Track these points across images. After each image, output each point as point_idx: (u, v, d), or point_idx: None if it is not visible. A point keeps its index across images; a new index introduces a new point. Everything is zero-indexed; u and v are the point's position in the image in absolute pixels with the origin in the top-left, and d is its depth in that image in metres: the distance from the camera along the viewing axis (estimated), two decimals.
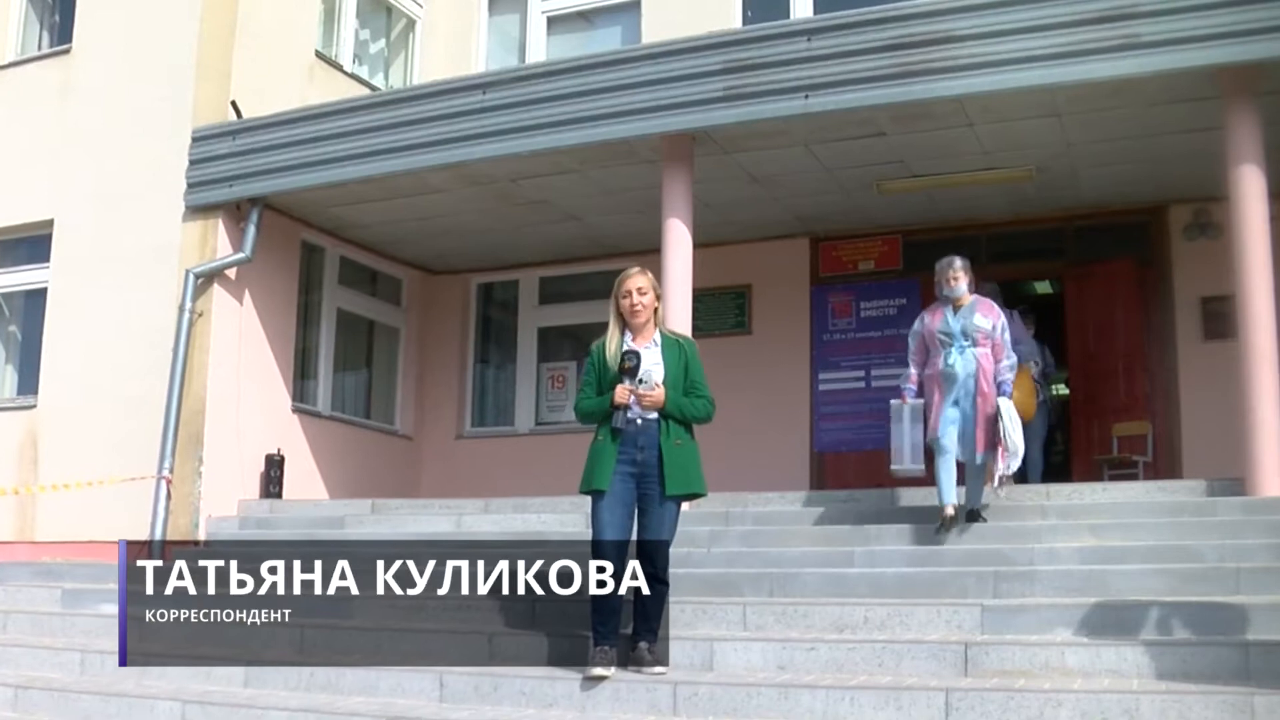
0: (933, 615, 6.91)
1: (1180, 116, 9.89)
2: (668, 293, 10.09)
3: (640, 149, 10.61)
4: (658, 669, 6.53)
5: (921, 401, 8.97)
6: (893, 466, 9.16)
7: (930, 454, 8.88)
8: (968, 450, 8.69)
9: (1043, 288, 13.56)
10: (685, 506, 6.91)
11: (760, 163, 10.98)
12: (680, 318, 10.04)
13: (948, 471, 8.69)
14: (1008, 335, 8.85)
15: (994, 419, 8.65)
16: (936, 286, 8.98)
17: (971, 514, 8.77)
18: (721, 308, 12.97)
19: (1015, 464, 8.66)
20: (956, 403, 8.72)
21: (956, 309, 8.85)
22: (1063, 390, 13.08)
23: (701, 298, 11.13)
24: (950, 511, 8.56)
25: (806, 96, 9.72)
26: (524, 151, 10.69)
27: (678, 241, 10.25)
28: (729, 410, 12.00)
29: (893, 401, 9.17)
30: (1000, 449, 8.62)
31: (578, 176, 11.39)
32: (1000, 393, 8.70)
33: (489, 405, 14.53)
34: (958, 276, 8.84)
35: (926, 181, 11.28)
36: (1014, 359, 8.85)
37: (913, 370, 9.05)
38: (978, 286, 10.88)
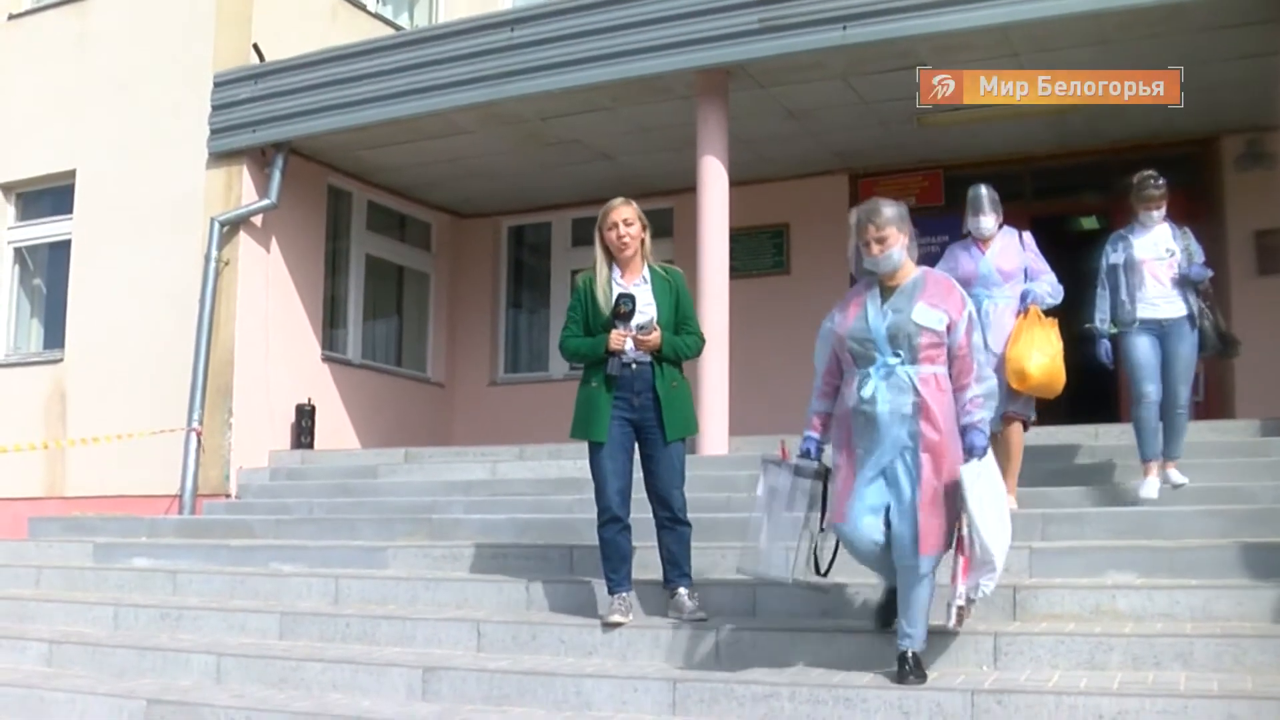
0: None
1: (1231, 42, 9.60)
2: (704, 232, 9.94)
3: (674, 85, 10.41)
4: (699, 615, 6.41)
5: (813, 465, 5.71)
6: (740, 566, 6.11)
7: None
8: (903, 552, 5.41)
9: (1089, 223, 13.27)
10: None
11: (797, 97, 10.78)
12: (717, 257, 9.90)
13: (887, 587, 5.87)
14: (978, 336, 5.57)
15: (951, 496, 5.39)
16: (850, 254, 5.78)
17: (905, 665, 5.47)
18: (759, 247, 12.81)
19: (990, 584, 5.50)
20: (883, 472, 5.46)
21: (887, 293, 5.59)
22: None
23: (738, 237, 10.94)
24: (913, 653, 5.50)
25: (844, 27, 9.50)
26: (554, 89, 10.54)
27: (714, 180, 10.07)
28: (767, 351, 11.93)
29: (764, 459, 5.94)
30: (962, 554, 5.43)
31: (609, 114, 11.23)
32: (967, 450, 5.41)
33: (522, 351, 14.46)
34: (884, 236, 5.53)
35: (968, 114, 10.99)
36: (992, 380, 5.59)
37: (816, 406, 5.79)
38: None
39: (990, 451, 5.46)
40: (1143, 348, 7.89)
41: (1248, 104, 10.55)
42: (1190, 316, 7.88)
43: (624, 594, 6.52)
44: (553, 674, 6.13)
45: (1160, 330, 7.87)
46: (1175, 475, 7.87)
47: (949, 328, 5.42)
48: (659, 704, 5.79)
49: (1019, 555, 6.66)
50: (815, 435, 5.74)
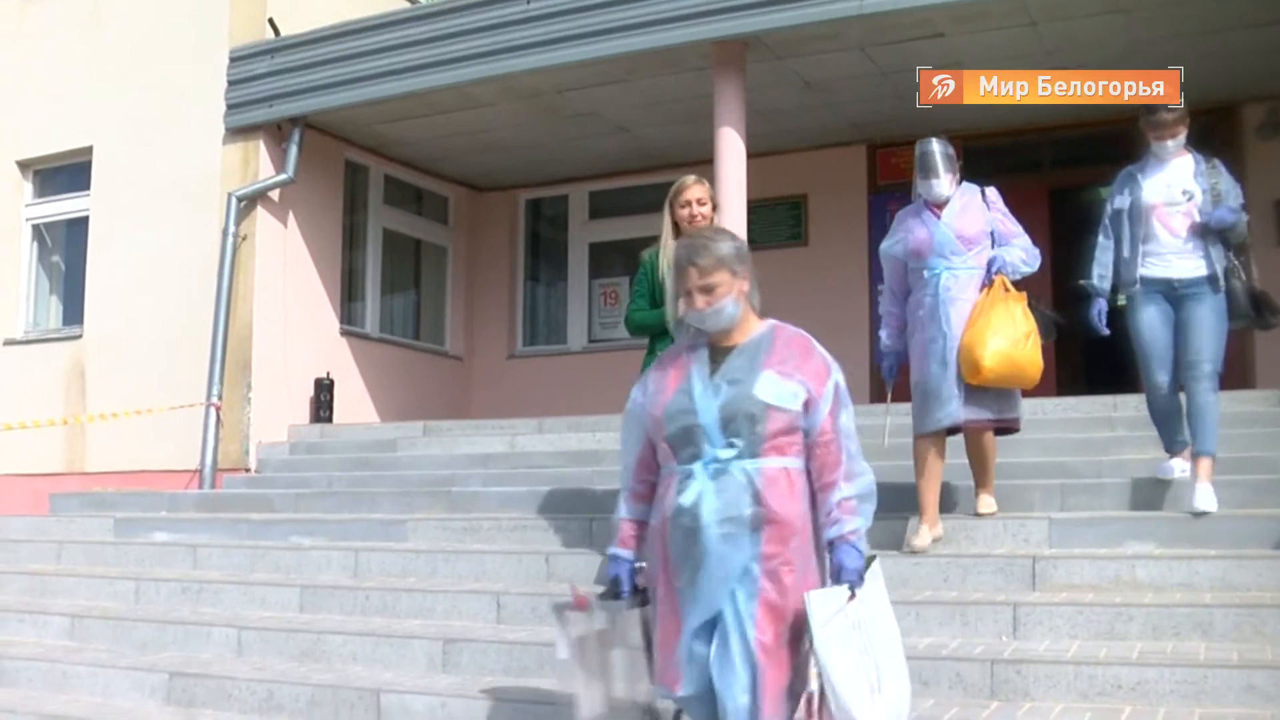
0: (999, 529, 6.78)
1: (1252, 9, 9.53)
2: (721, 204, 9.87)
3: (690, 56, 10.35)
4: None
5: (621, 605, 4.13)
6: None
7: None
8: (734, 709, 3.76)
9: (1107, 193, 13.20)
10: None
11: (814, 68, 10.72)
12: (734, 229, 9.80)
13: None
14: (848, 416, 3.95)
15: (796, 640, 3.78)
16: (670, 303, 4.32)
17: None
18: (777, 219, 12.77)
19: None
20: (716, 615, 3.82)
21: (719, 357, 3.98)
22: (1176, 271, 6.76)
23: (756, 209, 10.89)
24: None
25: None
26: (570, 61, 10.49)
27: (731, 151, 10.02)
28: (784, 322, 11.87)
29: (555, 606, 4.38)
30: (811, 718, 3.70)
31: (626, 86, 11.18)
32: (835, 574, 3.81)
33: (540, 324, 14.46)
34: (711, 284, 3.99)
35: None
36: (868, 477, 3.89)
37: (624, 510, 4.16)
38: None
39: (878, 578, 3.87)
40: (1149, 326, 6.64)
41: (1268, 71, 10.46)
42: (1212, 277, 6.55)
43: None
44: None
45: (1173, 294, 6.61)
46: (1203, 499, 6.46)
47: (806, 405, 3.87)
48: None
49: (1038, 525, 6.67)
50: (626, 554, 4.14)
